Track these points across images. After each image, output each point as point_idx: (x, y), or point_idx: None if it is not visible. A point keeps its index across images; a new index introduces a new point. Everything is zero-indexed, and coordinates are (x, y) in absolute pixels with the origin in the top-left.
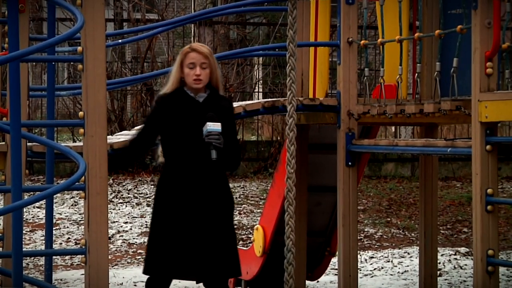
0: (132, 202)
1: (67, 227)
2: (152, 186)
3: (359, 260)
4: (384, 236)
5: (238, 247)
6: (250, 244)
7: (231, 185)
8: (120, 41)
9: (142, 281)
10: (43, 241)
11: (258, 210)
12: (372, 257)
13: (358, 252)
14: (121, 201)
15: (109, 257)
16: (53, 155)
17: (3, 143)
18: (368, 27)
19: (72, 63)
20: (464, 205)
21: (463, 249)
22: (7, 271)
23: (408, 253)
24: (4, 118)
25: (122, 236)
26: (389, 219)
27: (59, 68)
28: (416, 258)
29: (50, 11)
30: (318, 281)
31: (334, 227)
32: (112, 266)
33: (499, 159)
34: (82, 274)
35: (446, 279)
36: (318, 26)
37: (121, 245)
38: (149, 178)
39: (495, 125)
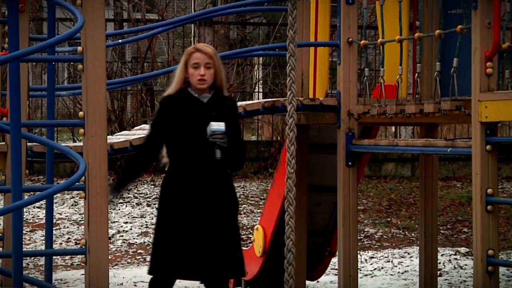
0: (132, 202)
1: (67, 227)
2: (152, 186)
3: (359, 260)
4: (384, 236)
5: None
6: (250, 244)
7: None
8: (120, 41)
9: (142, 281)
10: (43, 241)
11: (258, 210)
12: (372, 257)
13: (358, 252)
14: (121, 201)
15: (109, 257)
16: (53, 155)
17: (3, 143)
18: (368, 27)
19: (72, 63)
20: (464, 205)
21: (463, 249)
22: (7, 271)
23: (408, 253)
24: (4, 118)
25: (122, 236)
26: (389, 219)
27: (59, 68)
28: (416, 258)
29: (50, 11)
30: (318, 281)
31: (334, 227)
32: (112, 266)
33: (499, 159)
34: (82, 274)
35: (446, 279)
36: (318, 26)
37: (121, 245)
38: (149, 178)
39: (495, 125)
